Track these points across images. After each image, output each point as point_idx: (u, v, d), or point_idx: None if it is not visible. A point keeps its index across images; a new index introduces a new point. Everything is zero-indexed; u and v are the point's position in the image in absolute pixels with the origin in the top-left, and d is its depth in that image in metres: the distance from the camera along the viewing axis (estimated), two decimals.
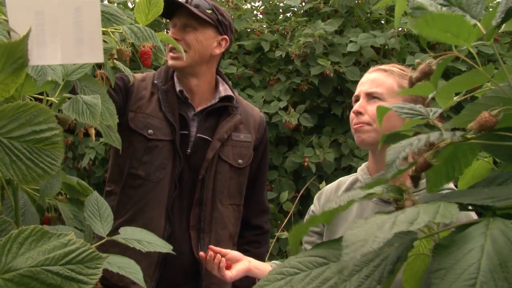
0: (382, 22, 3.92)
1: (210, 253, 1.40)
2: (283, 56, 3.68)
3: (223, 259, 1.39)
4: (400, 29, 3.57)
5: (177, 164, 1.74)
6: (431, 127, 0.82)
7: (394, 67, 1.42)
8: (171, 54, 1.77)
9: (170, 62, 1.78)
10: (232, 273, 1.38)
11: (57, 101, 0.92)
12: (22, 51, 0.52)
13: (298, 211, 3.79)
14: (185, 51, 1.73)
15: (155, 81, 1.82)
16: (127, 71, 1.20)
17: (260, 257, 1.91)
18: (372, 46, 3.51)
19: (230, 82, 1.95)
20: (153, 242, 0.96)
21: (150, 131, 1.73)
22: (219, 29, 1.80)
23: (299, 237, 0.78)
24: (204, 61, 1.80)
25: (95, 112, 0.85)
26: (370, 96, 1.37)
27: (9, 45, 0.51)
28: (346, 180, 1.51)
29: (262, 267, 1.45)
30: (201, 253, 1.43)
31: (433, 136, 0.66)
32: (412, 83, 0.73)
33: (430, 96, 0.84)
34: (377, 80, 1.38)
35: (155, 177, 1.73)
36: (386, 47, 3.56)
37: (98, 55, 0.74)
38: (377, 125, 1.34)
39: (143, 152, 1.73)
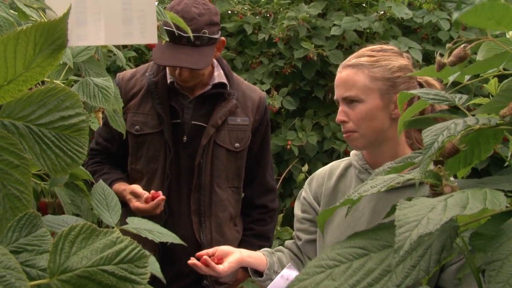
0: (364, 5, 3.91)
1: (195, 261, 1.34)
2: (266, 39, 3.64)
3: (206, 257, 1.32)
4: (382, 12, 3.57)
5: (167, 153, 1.78)
6: (456, 112, 0.81)
7: (363, 57, 1.33)
8: (180, 78, 1.73)
9: (180, 82, 1.76)
10: (224, 266, 1.33)
11: (63, 84, 0.88)
12: (62, 30, 0.47)
13: (280, 194, 3.80)
14: (198, 77, 1.75)
15: (147, 73, 1.82)
16: (119, 54, 1.16)
17: (266, 235, 1.96)
18: (355, 30, 3.50)
19: (226, 64, 1.91)
20: (164, 233, 0.93)
21: (136, 127, 1.80)
22: (218, 39, 1.75)
23: (326, 218, 0.78)
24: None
25: (109, 95, 0.81)
26: (348, 100, 1.31)
27: (47, 24, 0.46)
28: (338, 165, 1.47)
29: (256, 256, 1.42)
30: (190, 261, 1.36)
31: (470, 120, 0.66)
32: (442, 67, 0.72)
33: (452, 78, 0.83)
34: (348, 81, 1.31)
35: (149, 169, 1.80)
36: (369, 30, 3.55)
37: (151, 36, 0.70)
38: (362, 130, 1.30)
39: (136, 148, 1.81)
